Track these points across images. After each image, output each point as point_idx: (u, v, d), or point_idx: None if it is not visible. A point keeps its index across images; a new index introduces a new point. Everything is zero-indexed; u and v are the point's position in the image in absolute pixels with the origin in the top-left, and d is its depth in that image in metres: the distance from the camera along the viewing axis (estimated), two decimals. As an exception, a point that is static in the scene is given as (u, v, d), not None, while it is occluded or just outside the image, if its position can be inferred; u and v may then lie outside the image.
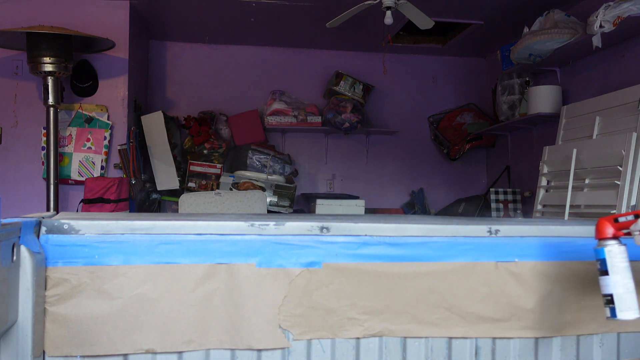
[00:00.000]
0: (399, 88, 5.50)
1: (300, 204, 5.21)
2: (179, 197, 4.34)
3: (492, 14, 4.35)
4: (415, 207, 5.37)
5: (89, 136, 4.03)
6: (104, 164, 4.05)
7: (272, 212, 4.70)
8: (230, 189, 4.73)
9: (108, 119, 4.09)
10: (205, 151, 4.86)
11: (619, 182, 3.05)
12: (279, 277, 1.30)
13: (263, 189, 4.72)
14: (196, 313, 1.26)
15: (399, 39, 5.03)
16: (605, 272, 1.24)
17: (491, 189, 4.92)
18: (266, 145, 5.12)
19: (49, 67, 3.65)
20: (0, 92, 4.00)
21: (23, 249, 1.10)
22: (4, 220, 1.06)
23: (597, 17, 3.27)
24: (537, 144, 4.43)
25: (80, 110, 4.04)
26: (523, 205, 4.78)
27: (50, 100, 3.70)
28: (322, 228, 1.35)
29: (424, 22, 3.76)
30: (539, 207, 3.82)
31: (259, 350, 1.29)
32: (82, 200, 3.90)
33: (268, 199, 4.76)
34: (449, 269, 1.38)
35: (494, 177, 5.30)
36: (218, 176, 4.85)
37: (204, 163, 4.82)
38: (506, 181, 5.11)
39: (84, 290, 1.22)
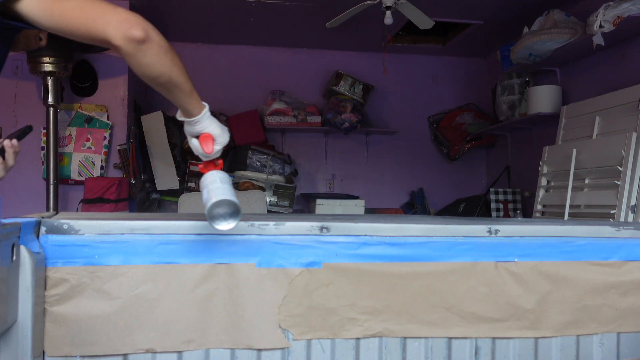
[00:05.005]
0: (399, 88, 5.50)
1: (300, 204, 5.22)
2: (179, 197, 4.35)
3: (492, 14, 4.35)
4: (415, 207, 5.37)
5: (89, 136, 4.03)
6: (103, 164, 4.05)
7: (272, 212, 4.70)
8: (230, 189, 4.72)
9: (108, 119, 4.09)
10: (205, 151, 4.85)
11: (618, 182, 3.05)
12: (278, 277, 1.31)
13: (263, 189, 4.73)
14: (196, 313, 1.27)
15: (398, 39, 5.03)
16: None
17: (491, 189, 4.93)
18: (266, 145, 5.12)
19: (48, 67, 3.65)
20: (0, 92, 4.00)
21: (23, 249, 1.10)
22: (3, 220, 1.06)
23: (597, 17, 3.28)
24: (537, 144, 4.43)
25: (80, 110, 4.04)
26: (523, 205, 4.78)
27: (50, 100, 3.70)
28: (322, 228, 1.35)
29: (424, 22, 3.76)
30: (539, 207, 3.82)
31: (259, 350, 1.30)
32: (82, 200, 3.90)
33: (268, 199, 4.76)
34: (448, 269, 1.38)
35: (493, 177, 5.30)
36: (218, 176, 4.83)
37: (204, 163, 4.81)
38: (506, 181, 5.11)
39: (83, 290, 1.22)
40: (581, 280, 1.44)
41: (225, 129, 1.36)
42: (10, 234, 1.03)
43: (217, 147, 1.33)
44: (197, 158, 1.38)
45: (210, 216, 1.19)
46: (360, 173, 5.46)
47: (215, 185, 1.26)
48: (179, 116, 1.33)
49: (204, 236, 1.30)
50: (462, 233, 1.42)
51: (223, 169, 1.37)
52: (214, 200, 1.19)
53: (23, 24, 1.24)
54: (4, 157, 1.29)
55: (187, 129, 1.34)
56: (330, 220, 1.40)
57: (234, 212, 1.21)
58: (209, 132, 1.32)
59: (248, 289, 1.29)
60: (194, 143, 1.34)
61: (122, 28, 1.16)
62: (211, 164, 1.36)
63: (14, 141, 1.31)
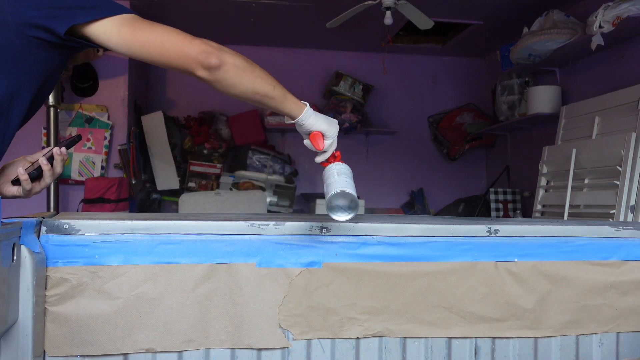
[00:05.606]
0: (398, 88, 5.50)
1: (300, 204, 5.22)
2: (179, 197, 4.36)
3: (492, 14, 4.35)
4: (415, 207, 5.37)
5: (89, 136, 4.03)
6: (104, 164, 4.06)
7: (272, 212, 4.70)
8: (230, 189, 4.73)
9: (108, 119, 4.09)
10: (205, 151, 4.86)
11: (618, 182, 3.05)
12: (278, 277, 1.31)
13: (263, 189, 4.73)
14: (196, 313, 1.27)
15: (398, 39, 5.03)
16: None
17: (491, 189, 4.93)
18: (266, 145, 5.12)
19: (49, 67, 3.65)
20: (0, 92, 4.00)
21: (23, 248, 1.10)
22: (4, 220, 1.06)
23: (596, 17, 3.28)
24: (537, 144, 4.43)
25: (81, 111, 4.04)
26: (523, 205, 4.79)
27: (51, 100, 3.70)
28: (322, 228, 1.35)
29: (424, 22, 3.76)
30: (539, 207, 3.82)
31: (259, 350, 1.30)
32: (83, 200, 3.91)
33: (268, 199, 4.76)
34: (448, 268, 1.38)
35: (493, 177, 5.30)
36: (218, 176, 4.84)
37: (204, 163, 4.82)
38: (506, 181, 5.11)
39: (84, 290, 1.22)
40: (581, 280, 1.45)
41: (334, 121, 1.43)
42: (11, 233, 1.04)
43: (328, 141, 1.41)
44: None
45: (329, 208, 1.26)
46: (360, 173, 5.43)
47: (333, 179, 1.34)
48: (287, 120, 1.41)
49: (204, 236, 1.30)
50: (462, 233, 1.42)
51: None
52: (331, 192, 1.27)
53: (90, 43, 1.28)
54: (52, 165, 1.33)
55: (298, 129, 1.42)
56: (330, 220, 1.40)
57: (352, 202, 1.26)
58: (316, 129, 1.39)
59: (248, 289, 1.29)
60: (306, 142, 1.43)
61: (200, 59, 1.24)
62: (330, 156, 1.43)
63: (63, 149, 1.35)
